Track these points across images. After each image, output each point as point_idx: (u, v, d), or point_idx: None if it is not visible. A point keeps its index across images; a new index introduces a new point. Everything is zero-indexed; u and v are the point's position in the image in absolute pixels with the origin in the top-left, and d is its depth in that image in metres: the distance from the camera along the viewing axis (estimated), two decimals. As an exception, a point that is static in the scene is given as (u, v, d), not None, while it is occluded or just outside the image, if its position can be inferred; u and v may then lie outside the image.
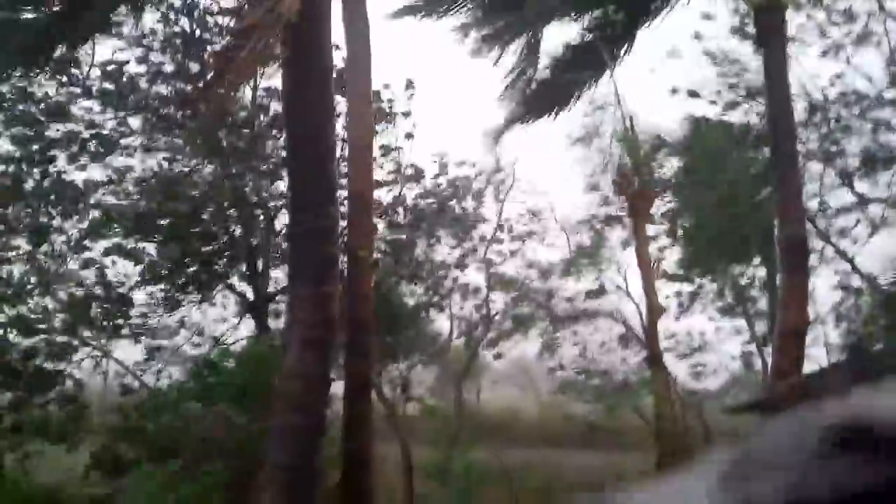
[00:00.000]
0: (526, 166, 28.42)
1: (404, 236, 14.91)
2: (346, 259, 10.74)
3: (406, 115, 14.39)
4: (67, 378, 12.29)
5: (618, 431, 16.88)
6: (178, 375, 12.43)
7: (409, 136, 14.42)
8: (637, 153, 15.73)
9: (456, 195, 16.19)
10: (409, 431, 14.95)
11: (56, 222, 12.56)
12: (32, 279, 12.26)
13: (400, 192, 14.86)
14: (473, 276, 17.69)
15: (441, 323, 17.38)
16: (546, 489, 13.85)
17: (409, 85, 14.23)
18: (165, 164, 13.16)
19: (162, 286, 13.60)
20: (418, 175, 14.83)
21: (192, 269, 13.64)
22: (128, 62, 12.60)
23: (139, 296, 13.44)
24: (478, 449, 13.02)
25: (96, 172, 12.92)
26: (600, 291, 18.09)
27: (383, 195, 14.51)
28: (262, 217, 13.53)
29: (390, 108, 14.20)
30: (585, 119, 16.02)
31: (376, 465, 11.22)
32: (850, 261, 15.79)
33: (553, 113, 12.83)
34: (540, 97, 12.64)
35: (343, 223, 10.01)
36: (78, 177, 12.66)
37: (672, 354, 17.85)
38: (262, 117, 13.20)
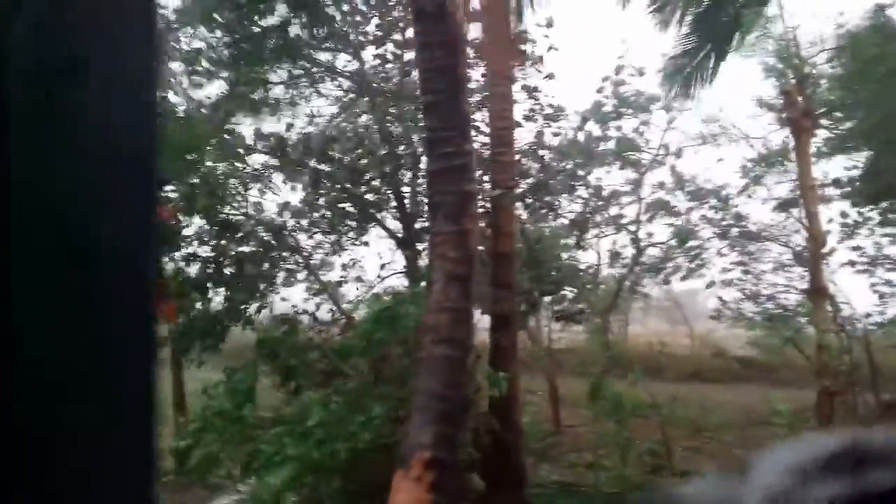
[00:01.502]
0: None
1: (547, 173, 14.68)
2: (488, 195, 10.91)
3: (535, 57, 13.88)
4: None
5: (774, 367, 16.18)
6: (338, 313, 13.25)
7: (549, 77, 14.02)
8: (800, 68, 14.63)
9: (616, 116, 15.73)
10: (554, 364, 15.12)
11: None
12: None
13: (541, 130, 14.58)
14: (626, 206, 17.19)
15: (589, 255, 17.20)
16: (694, 423, 13.63)
17: (550, 24, 13.78)
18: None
19: (320, 227, 14.39)
20: (557, 114, 14.45)
21: (347, 207, 14.29)
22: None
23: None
24: (625, 382, 12.97)
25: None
26: (786, 204, 16.96)
27: (524, 134, 14.35)
28: (408, 153, 13.84)
29: (533, 48, 13.85)
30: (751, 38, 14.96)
31: (523, 395, 11.52)
32: None
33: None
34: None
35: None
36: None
37: (846, 271, 16.63)
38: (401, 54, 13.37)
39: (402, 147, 13.45)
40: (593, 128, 15.57)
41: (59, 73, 0.36)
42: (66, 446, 0.42)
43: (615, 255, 17.11)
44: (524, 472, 10.38)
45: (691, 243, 16.49)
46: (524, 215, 13.90)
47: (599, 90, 15.31)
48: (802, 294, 15.44)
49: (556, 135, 14.42)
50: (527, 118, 14.00)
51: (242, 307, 12.49)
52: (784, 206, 16.93)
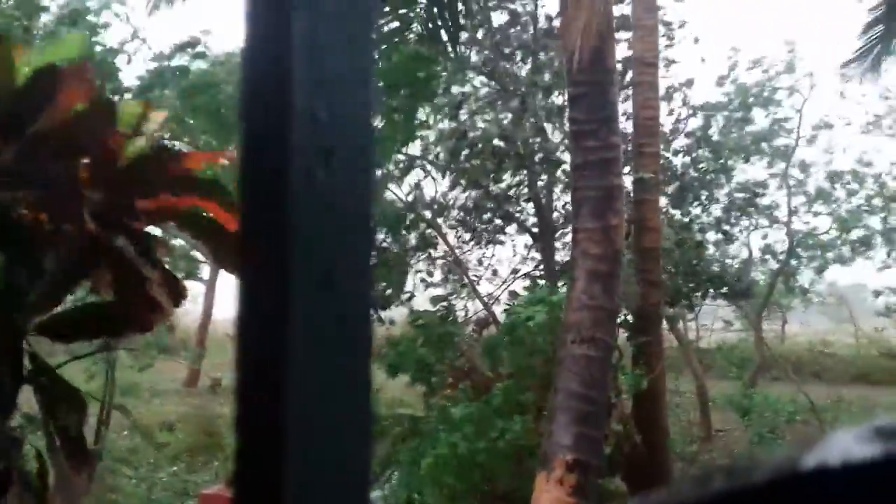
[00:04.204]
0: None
1: (687, 158, 13.97)
2: (632, 188, 10.48)
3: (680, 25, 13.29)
4: None
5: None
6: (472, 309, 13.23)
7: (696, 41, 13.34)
8: None
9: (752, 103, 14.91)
10: (703, 365, 14.38)
11: None
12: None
13: (679, 113, 13.87)
14: (775, 194, 16.18)
15: (740, 249, 16.22)
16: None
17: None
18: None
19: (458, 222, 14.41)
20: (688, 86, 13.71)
21: (487, 206, 14.18)
22: None
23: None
24: (781, 384, 12.13)
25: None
26: None
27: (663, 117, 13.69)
28: (543, 148, 13.54)
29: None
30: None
31: (669, 397, 11.01)
32: None
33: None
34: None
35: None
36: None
37: None
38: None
39: (538, 140, 13.17)
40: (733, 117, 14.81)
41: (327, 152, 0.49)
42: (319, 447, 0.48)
43: (767, 249, 16.09)
44: (670, 477, 9.93)
45: (856, 231, 15.26)
46: (669, 209, 13.26)
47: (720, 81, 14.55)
48: None
49: (692, 115, 13.78)
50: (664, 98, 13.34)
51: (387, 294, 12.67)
52: None
